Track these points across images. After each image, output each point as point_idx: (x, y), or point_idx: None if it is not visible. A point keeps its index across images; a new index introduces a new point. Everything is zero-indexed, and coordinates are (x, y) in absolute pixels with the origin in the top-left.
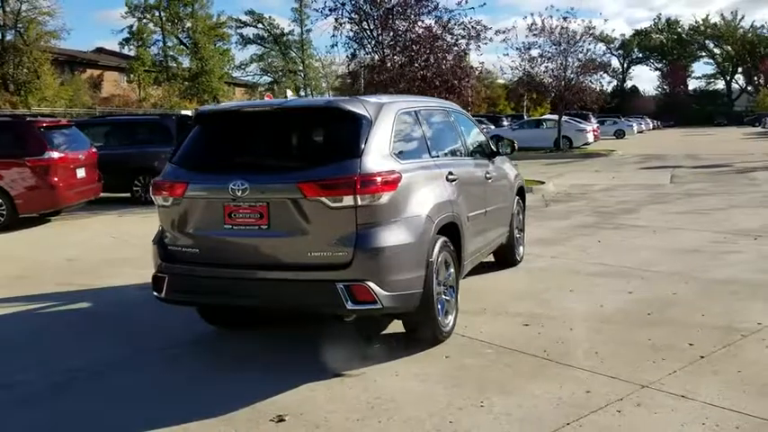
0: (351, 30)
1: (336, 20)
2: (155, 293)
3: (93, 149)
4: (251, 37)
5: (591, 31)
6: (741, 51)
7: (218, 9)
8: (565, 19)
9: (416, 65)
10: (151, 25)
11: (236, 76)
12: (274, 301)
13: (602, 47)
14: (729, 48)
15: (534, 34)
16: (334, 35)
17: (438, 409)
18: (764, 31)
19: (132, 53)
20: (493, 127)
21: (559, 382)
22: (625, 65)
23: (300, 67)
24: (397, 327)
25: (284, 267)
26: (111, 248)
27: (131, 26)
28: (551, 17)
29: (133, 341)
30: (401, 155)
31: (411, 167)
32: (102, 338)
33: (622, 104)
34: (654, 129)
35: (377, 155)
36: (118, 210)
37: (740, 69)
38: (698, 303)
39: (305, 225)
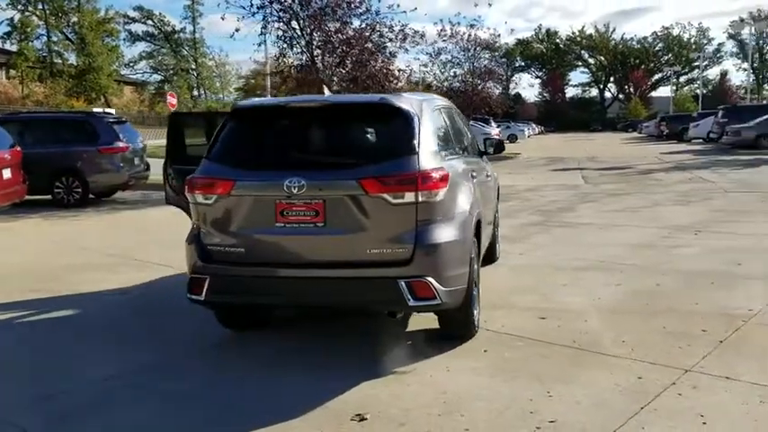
0: (279, 28)
1: (264, 18)
2: (191, 296)
3: (18, 148)
4: (140, 34)
5: (478, 39)
6: (613, 62)
7: (106, 4)
8: (471, 26)
9: (347, 65)
10: (35, 19)
11: (125, 74)
12: (331, 300)
13: (493, 54)
14: (603, 58)
15: (444, 40)
16: (262, 33)
17: (509, 400)
18: (634, 43)
19: (14, 48)
20: None
21: (606, 370)
22: (509, 73)
23: (193, 66)
24: (415, 324)
25: (342, 265)
26: (59, 254)
27: (12, 19)
28: (458, 23)
29: (154, 347)
30: (442, 152)
31: (452, 164)
32: (119, 346)
33: (509, 110)
34: (539, 134)
35: (428, 152)
36: (39, 213)
37: (612, 78)
38: (684, 293)
39: (364, 222)
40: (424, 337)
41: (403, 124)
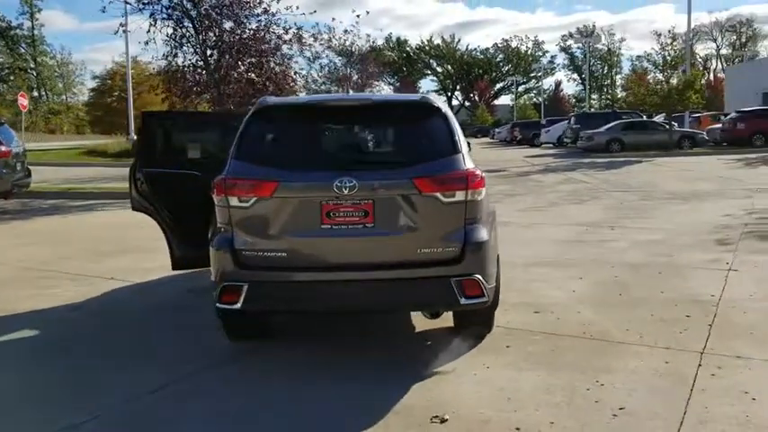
0: (169, 26)
1: (152, 15)
2: (222, 305)
3: None
4: None
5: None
6: (459, 71)
7: None
8: (346, 32)
9: (242, 67)
10: None
11: None
12: (381, 303)
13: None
14: (450, 67)
15: (321, 44)
16: (149, 31)
17: (568, 392)
18: (477, 53)
19: None
20: None
21: (633, 357)
22: (362, 79)
23: (32, 65)
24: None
25: (393, 266)
26: None
27: None
28: (334, 29)
29: (160, 365)
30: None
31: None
32: (118, 367)
33: None
34: None
35: (465, 151)
36: None
37: (459, 87)
38: (645, 283)
39: (415, 221)
40: (437, 337)
41: (443, 123)
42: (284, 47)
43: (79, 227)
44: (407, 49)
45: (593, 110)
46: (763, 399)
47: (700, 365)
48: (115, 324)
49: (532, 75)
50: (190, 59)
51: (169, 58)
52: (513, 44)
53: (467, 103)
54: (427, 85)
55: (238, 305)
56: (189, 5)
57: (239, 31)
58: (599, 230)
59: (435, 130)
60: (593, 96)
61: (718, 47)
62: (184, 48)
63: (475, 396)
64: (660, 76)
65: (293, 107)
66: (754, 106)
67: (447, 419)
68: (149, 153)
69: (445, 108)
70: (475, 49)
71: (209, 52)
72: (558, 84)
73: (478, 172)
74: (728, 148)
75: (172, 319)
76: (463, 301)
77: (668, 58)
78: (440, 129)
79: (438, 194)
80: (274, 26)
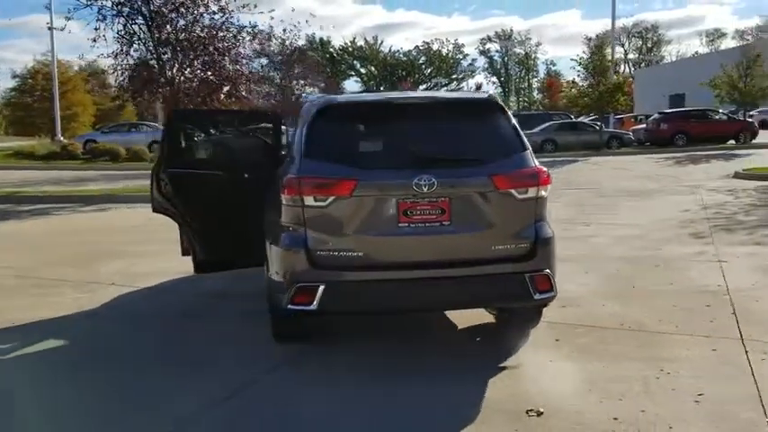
0: (119, 22)
1: (99, 11)
2: (294, 306)
3: None
4: None
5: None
6: (383, 72)
7: None
8: (284, 31)
9: (197, 65)
10: None
11: None
12: (458, 300)
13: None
14: (373, 68)
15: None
16: (97, 28)
17: (641, 381)
18: (401, 55)
19: None
20: None
21: (681, 346)
22: (286, 81)
23: None
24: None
25: (469, 263)
26: None
27: None
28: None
29: (218, 373)
30: None
31: None
32: (172, 371)
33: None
34: None
35: (530, 149)
36: None
37: (382, 88)
38: (650, 276)
39: (490, 218)
40: (483, 334)
41: (508, 121)
42: (241, 47)
43: (45, 232)
44: (330, 50)
45: (532, 111)
46: None
47: (747, 352)
48: (143, 330)
49: (454, 77)
50: (141, 58)
51: (119, 57)
52: (435, 47)
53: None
54: (351, 86)
55: (313, 306)
56: (140, 2)
57: (193, 29)
58: (575, 227)
59: (504, 128)
60: (512, 99)
61: (626, 51)
62: (135, 45)
63: (556, 389)
64: (592, 80)
65: (361, 105)
66: (662, 108)
67: (542, 412)
68: (176, 153)
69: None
70: (398, 51)
71: (161, 50)
72: (478, 86)
73: (545, 169)
74: (652, 148)
75: (198, 324)
76: (537, 296)
77: (596, 62)
78: (507, 127)
79: (513, 191)
80: (228, 24)
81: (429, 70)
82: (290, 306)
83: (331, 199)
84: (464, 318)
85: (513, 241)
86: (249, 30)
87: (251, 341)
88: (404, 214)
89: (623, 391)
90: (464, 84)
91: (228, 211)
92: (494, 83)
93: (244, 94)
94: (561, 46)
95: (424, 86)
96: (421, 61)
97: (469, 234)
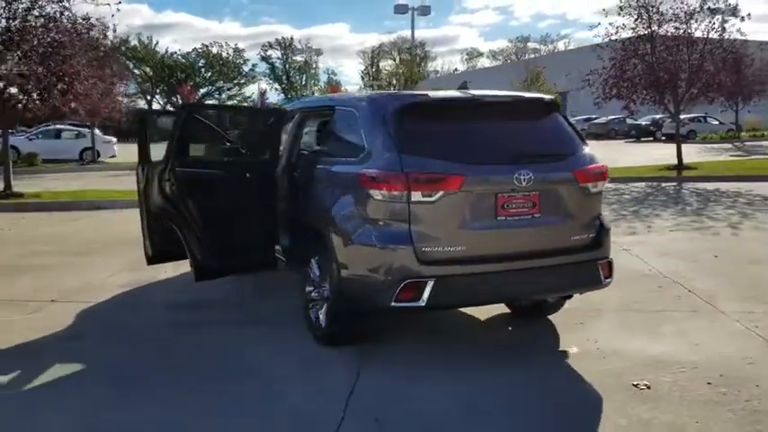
0: None
1: None
2: (400, 304)
3: None
4: None
5: None
6: (160, 74)
7: None
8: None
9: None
10: None
11: None
12: (546, 288)
13: None
14: (148, 69)
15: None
16: None
17: (720, 357)
18: (179, 57)
19: None
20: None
21: (681, 319)
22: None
23: None
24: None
25: (555, 253)
26: None
27: None
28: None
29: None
30: None
31: None
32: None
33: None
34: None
35: None
36: None
37: (159, 90)
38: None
39: (570, 210)
40: (512, 323)
41: (566, 119)
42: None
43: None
44: (102, 49)
45: None
46: None
47: (737, 321)
48: (149, 348)
49: (236, 81)
50: None
51: None
52: (214, 50)
53: (169, 108)
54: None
55: (422, 302)
56: None
57: (27, 18)
58: None
59: (566, 126)
60: None
61: (398, 65)
62: None
63: (635, 368)
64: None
65: (444, 102)
66: None
67: (649, 386)
68: (184, 151)
69: None
70: (175, 52)
71: None
72: (263, 92)
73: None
74: None
75: (221, 333)
76: (605, 282)
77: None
78: (568, 125)
79: (589, 185)
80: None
81: (209, 74)
82: (393, 303)
83: (440, 194)
84: (481, 311)
85: (586, 231)
86: (81, 22)
87: (298, 349)
88: (502, 208)
89: (711, 367)
90: (245, 89)
91: (241, 213)
92: (276, 89)
93: (81, 90)
94: (338, 56)
95: (205, 90)
96: (200, 64)
97: (554, 226)
